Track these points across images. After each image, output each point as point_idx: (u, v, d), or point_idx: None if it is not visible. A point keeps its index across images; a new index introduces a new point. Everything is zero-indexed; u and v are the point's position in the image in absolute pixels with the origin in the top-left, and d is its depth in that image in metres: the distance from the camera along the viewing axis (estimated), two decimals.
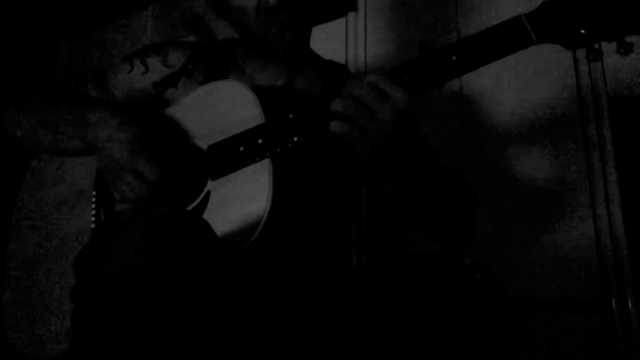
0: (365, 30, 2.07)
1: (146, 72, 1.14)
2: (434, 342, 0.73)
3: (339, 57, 1.99)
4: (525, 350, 0.78)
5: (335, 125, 0.86)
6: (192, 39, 2.26)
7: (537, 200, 1.65)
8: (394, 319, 0.77)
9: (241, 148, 0.95)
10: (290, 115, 0.93)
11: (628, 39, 0.80)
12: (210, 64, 1.15)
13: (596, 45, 0.82)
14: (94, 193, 1.07)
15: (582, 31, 0.80)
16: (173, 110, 1.08)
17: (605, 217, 1.56)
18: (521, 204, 1.66)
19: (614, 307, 1.49)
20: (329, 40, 2.04)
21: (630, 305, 1.48)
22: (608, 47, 1.64)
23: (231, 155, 0.96)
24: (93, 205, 1.07)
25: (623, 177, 1.58)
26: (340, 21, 2.13)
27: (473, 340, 0.72)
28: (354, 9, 2.13)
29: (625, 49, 0.80)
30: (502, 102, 1.77)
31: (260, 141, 0.94)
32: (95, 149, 1.00)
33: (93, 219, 1.05)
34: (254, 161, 0.93)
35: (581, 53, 1.69)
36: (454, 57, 0.84)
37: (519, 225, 1.65)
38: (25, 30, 2.42)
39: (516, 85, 1.75)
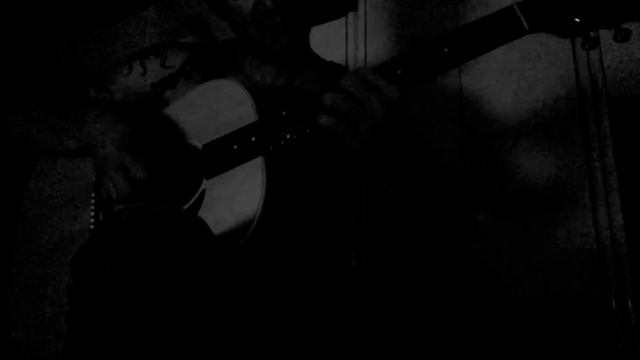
0: (365, 30, 2.07)
1: (144, 73, 1.15)
2: (436, 341, 0.73)
3: (339, 57, 1.99)
4: (525, 349, 0.78)
5: (324, 120, 0.84)
6: (191, 39, 2.27)
7: (537, 199, 1.65)
8: (394, 317, 0.77)
9: (235, 146, 0.95)
10: (283, 113, 0.92)
11: (625, 25, 0.77)
12: (209, 65, 1.15)
13: (592, 34, 0.81)
14: (94, 194, 1.08)
15: (577, 19, 0.78)
16: (169, 110, 1.08)
17: (605, 217, 1.56)
18: (521, 204, 1.66)
19: (614, 307, 1.48)
20: (329, 40, 2.05)
21: (630, 305, 1.48)
22: (609, 48, 1.65)
23: (225, 153, 0.96)
24: (92, 207, 1.07)
25: (623, 178, 1.58)
26: (340, 21, 2.13)
27: (474, 338, 0.72)
28: (354, 9, 2.13)
29: (622, 37, 0.78)
30: (502, 102, 1.77)
31: (253, 139, 0.93)
32: (90, 147, 1.00)
33: (92, 220, 1.06)
34: (247, 159, 0.93)
35: (582, 52, 1.69)
36: (446, 49, 0.82)
37: (518, 225, 1.64)
38: (25, 31, 2.43)
39: (516, 85, 1.75)
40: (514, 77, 1.76)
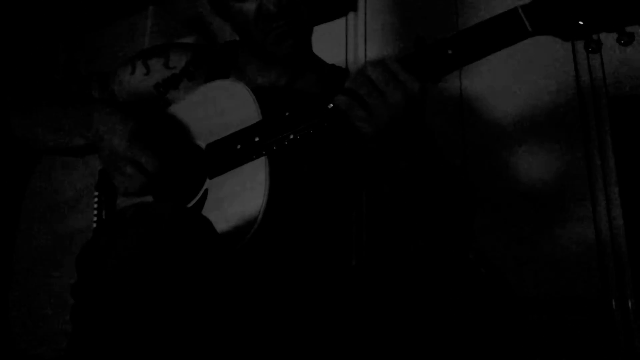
0: (365, 30, 2.07)
1: (148, 73, 1.15)
2: (439, 336, 0.73)
3: (339, 57, 2.00)
4: (527, 344, 0.78)
5: (342, 100, 0.85)
6: (192, 39, 2.26)
7: (537, 200, 1.65)
8: (397, 314, 0.77)
9: (238, 146, 0.95)
10: (287, 113, 0.93)
11: (629, 29, 0.77)
12: (212, 66, 1.15)
13: (595, 37, 0.81)
14: (96, 193, 1.08)
15: (580, 22, 0.78)
16: (174, 110, 1.09)
17: (605, 217, 1.56)
18: (521, 204, 1.66)
19: (614, 307, 1.49)
20: (329, 40, 2.04)
21: (630, 305, 1.48)
22: (609, 48, 1.65)
23: (228, 153, 0.96)
24: (95, 205, 1.07)
25: (623, 177, 1.58)
26: (340, 21, 2.13)
27: (478, 333, 0.73)
28: (354, 9, 2.13)
29: (625, 40, 0.78)
30: (502, 102, 1.77)
31: (256, 139, 0.94)
32: (97, 143, 1.01)
33: (95, 218, 1.06)
34: (250, 159, 0.93)
35: (582, 53, 1.69)
36: (450, 51, 0.83)
37: (518, 225, 1.65)
38: (26, 30, 2.43)
39: (516, 85, 1.75)
40: (514, 77, 1.76)
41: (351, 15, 2.13)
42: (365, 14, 2.09)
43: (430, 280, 0.77)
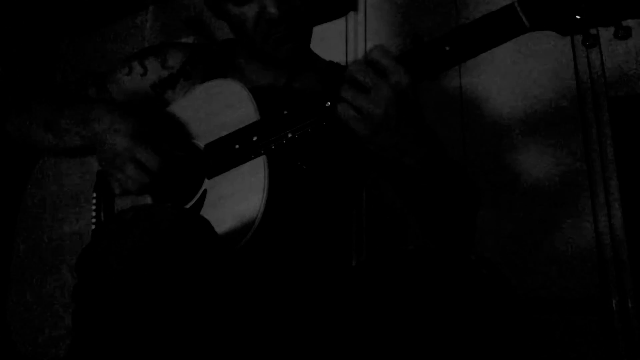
0: (365, 30, 2.07)
1: (144, 74, 1.14)
2: (440, 338, 0.73)
3: (339, 57, 1.99)
4: (530, 346, 0.78)
5: (334, 101, 0.85)
6: (192, 39, 2.27)
7: (537, 200, 1.65)
8: (397, 314, 0.77)
9: (236, 146, 0.95)
10: (285, 112, 0.92)
11: (625, 23, 0.78)
12: (209, 66, 1.15)
13: (592, 31, 0.80)
14: (94, 195, 1.08)
15: (577, 17, 0.78)
16: (171, 110, 1.09)
17: (605, 217, 1.56)
18: (521, 204, 1.66)
19: (614, 307, 1.49)
20: (329, 40, 2.04)
21: (630, 305, 1.48)
22: (609, 48, 1.65)
23: (227, 153, 0.96)
24: (93, 207, 1.07)
25: (623, 177, 1.58)
26: (340, 21, 2.13)
27: (480, 335, 0.72)
28: (354, 9, 2.13)
29: (622, 34, 0.78)
30: (502, 102, 1.77)
31: (255, 138, 0.94)
32: (96, 143, 1.00)
33: (93, 220, 1.06)
34: (249, 159, 0.93)
35: (582, 52, 1.69)
36: (447, 48, 0.83)
37: (518, 225, 1.65)
38: (26, 30, 2.43)
39: (516, 85, 1.75)
40: (514, 77, 1.76)
41: (351, 15, 2.14)
42: (365, 14, 2.10)
43: (431, 282, 0.76)
